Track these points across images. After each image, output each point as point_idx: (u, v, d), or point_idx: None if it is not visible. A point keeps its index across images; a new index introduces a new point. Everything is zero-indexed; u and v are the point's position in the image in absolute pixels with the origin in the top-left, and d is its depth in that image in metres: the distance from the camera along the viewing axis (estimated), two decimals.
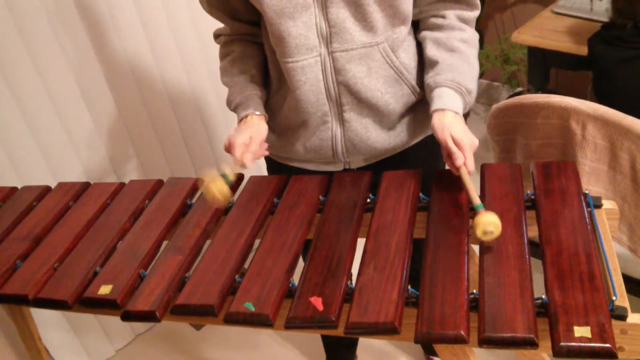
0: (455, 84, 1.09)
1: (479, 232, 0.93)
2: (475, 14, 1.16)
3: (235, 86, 1.21)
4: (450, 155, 1.03)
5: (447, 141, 1.03)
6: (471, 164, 1.02)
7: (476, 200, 0.98)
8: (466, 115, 2.83)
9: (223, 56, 1.26)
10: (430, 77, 1.13)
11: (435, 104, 1.08)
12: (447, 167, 1.31)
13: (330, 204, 1.12)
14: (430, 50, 1.14)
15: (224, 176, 1.08)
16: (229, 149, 1.11)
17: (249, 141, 1.11)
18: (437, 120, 1.07)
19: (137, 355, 2.13)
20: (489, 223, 0.93)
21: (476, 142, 1.05)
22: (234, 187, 1.22)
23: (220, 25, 1.26)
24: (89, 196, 1.33)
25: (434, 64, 1.13)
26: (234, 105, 1.20)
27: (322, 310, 0.89)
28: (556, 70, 2.66)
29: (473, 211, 1.06)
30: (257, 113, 1.17)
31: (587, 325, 0.78)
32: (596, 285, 0.83)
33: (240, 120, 1.18)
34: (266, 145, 1.17)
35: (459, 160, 1.02)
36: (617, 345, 0.80)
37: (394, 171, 1.16)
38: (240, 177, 1.25)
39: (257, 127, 1.15)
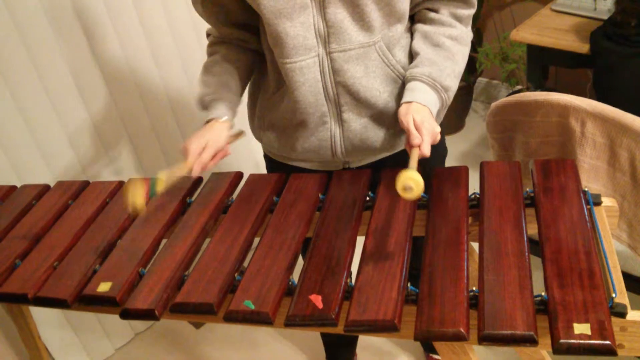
0: (429, 80, 1.09)
1: (398, 187, 0.90)
2: (470, 12, 1.16)
3: (208, 86, 1.20)
4: (408, 136, 1.03)
5: (409, 124, 1.03)
6: (427, 149, 1.01)
7: (413, 165, 0.95)
8: (465, 113, 2.84)
9: (208, 55, 1.27)
10: (408, 69, 1.13)
11: (405, 97, 1.09)
12: (446, 165, 1.31)
13: (330, 202, 1.12)
14: (416, 43, 1.15)
15: (152, 185, 1.07)
16: (183, 153, 1.12)
17: (201, 150, 1.12)
18: (403, 107, 1.07)
19: (137, 353, 2.13)
20: (408, 177, 0.89)
21: (437, 129, 1.05)
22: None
23: None
24: (88, 195, 1.33)
25: (415, 56, 1.14)
26: (203, 105, 1.20)
27: (322, 308, 0.89)
28: (555, 68, 2.66)
29: (473, 209, 1.06)
30: (223, 119, 1.17)
31: (587, 323, 0.78)
32: (596, 283, 0.83)
33: (205, 123, 1.17)
34: (223, 154, 1.16)
35: (416, 140, 1.01)
36: (617, 343, 0.79)
37: (393, 169, 1.16)
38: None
39: (216, 134, 1.15)
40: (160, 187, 1.08)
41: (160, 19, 1.84)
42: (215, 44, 1.26)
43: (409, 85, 1.10)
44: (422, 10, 1.17)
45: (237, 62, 1.23)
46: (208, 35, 1.29)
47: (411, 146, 1.02)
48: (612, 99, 1.35)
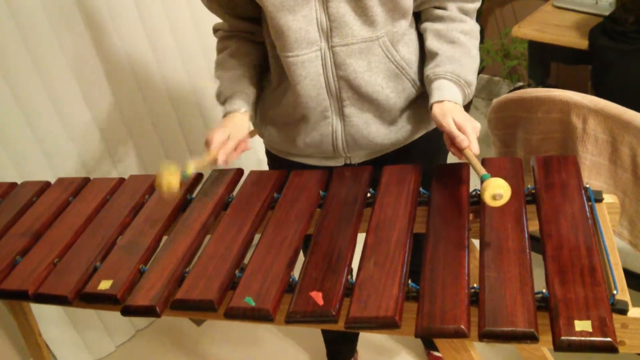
0: (454, 76, 1.09)
1: (487, 197, 0.91)
2: (475, 5, 1.16)
3: (226, 81, 1.22)
4: (454, 140, 1.03)
5: (450, 126, 1.03)
6: (476, 147, 1.02)
7: (482, 171, 0.96)
8: (467, 109, 2.83)
9: (219, 51, 1.27)
10: (429, 69, 1.13)
11: (434, 96, 1.08)
12: (448, 162, 1.31)
13: (331, 198, 1.12)
14: (431, 42, 1.14)
15: (182, 171, 1.07)
16: (207, 144, 1.13)
17: (224, 140, 1.13)
18: (437, 109, 1.07)
19: (138, 351, 2.13)
20: (497, 186, 0.91)
21: (478, 125, 1.04)
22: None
23: (219, 20, 1.26)
24: (88, 191, 1.33)
25: (434, 55, 1.13)
26: (222, 99, 1.22)
27: (323, 305, 0.89)
28: (557, 64, 2.65)
29: (474, 205, 1.06)
30: (242, 110, 1.18)
31: (588, 320, 0.77)
32: (597, 280, 0.83)
33: (224, 116, 1.19)
34: (245, 144, 1.17)
35: (464, 142, 1.01)
36: (618, 340, 0.79)
37: (394, 166, 1.16)
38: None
39: (238, 125, 1.16)
40: (190, 171, 1.08)
41: (160, 15, 1.83)
42: (225, 39, 1.27)
43: (436, 84, 1.10)
44: (429, 9, 1.17)
45: (250, 54, 1.24)
46: (216, 31, 1.29)
47: (460, 149, 1.02)
48: (610, 96, 1.35)
